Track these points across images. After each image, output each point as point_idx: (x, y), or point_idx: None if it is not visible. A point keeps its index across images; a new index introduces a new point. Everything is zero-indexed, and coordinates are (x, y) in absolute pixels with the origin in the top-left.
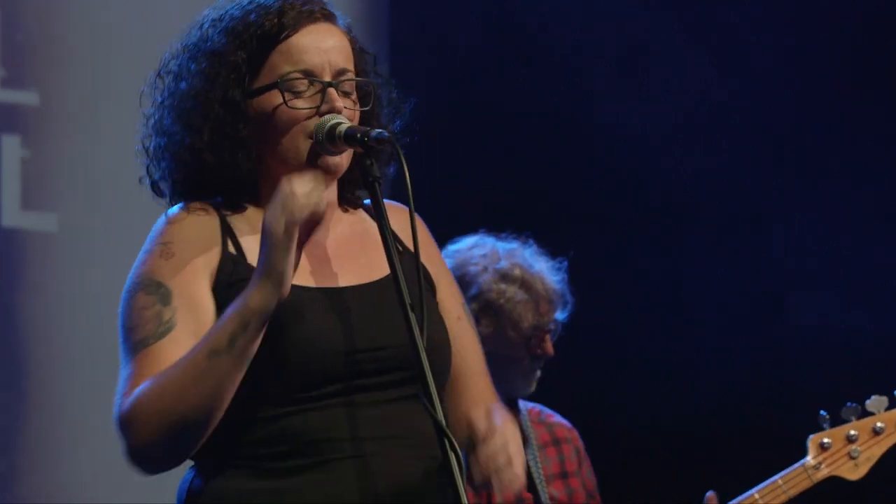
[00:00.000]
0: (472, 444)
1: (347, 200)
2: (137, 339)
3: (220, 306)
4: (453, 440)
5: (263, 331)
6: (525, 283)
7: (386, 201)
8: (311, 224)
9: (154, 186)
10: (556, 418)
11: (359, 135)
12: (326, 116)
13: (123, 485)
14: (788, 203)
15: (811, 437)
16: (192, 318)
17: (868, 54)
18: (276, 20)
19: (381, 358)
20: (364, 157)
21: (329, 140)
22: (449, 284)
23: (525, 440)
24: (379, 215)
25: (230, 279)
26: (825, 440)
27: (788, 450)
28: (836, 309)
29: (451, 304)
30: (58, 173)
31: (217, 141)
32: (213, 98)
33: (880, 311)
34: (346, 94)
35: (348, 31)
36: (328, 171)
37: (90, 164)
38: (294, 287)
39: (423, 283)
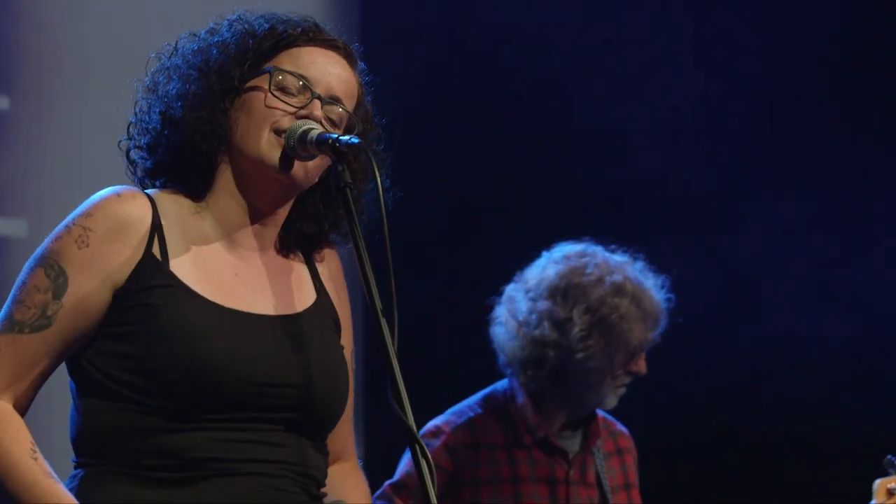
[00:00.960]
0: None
1: (295, 230)
2: (15, 318)
3: (124, 308)
4: (424, 447)
5: None
6: (636, 299)
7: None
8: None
9: (128, 154)
10: (618, 427)
11: (330, 140)
12: (300, 122)
13: None
14: (761, 205)
15: (878, 481)
16: (72, 322)
17: (845, 56)
18: (299, 31)
19: (281, 395)
20: (335, 163)
21: (300, 144)
22: (346, 329)
23: (596, 448)
24: (350, 221)
25: (143, 284)
26: (893, 485)
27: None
28: (817, 317)
29: (348, 351)
30: (28, 179)
31: (197, 102)
32: (215, 65)
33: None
34: (331, 122)
35: (362, 85)
36: (296, 182)
37: (60, 170)
38: (210, 303)
39: (329, 323)
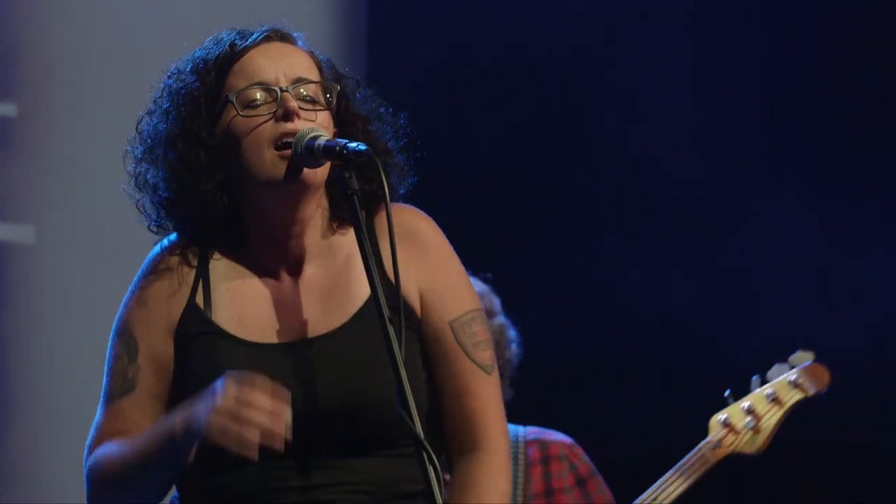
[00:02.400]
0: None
1: (339, 218)
2: (108, 388)
3: (182, 356)
4: (431, 454)
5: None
6: None
7: (395, 204)
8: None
9: (151, 228)
10: (554, 436)
11: (337, 147)
12: (304, 129)
13: None
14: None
15: (714, 416)
16: (154, 378)
17: (845, 56)
18: (229, 48)
19: (351, 422)
20: (342, 169)
21: (308, 152)
22: (441, 296)
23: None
24: (357, 230)
25: (191, 331)
26: (724, 416)
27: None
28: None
29: (431, 323)
30: (34, 185)
31: (182, 175)
32: (174, 134)
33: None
34: (307, 100)
35: (313, 54)
36: (306, 185)
37: (68, 176)
38: (258, 346)
39: (403, 307)
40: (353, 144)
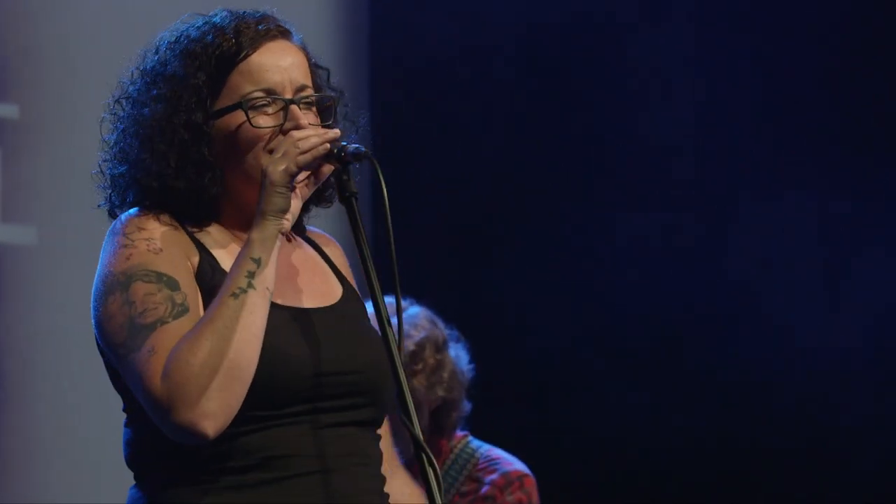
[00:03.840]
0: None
1: (295, 227)
2: (150, 321)
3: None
4: (430, 455)
5: (275, 259)
6: None
7: (316, 230)
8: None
9: (112, 213)
10: (512, 463)
11: (335, 150)
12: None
13: (97, 497)
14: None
15: None
16: (202, 308)
17: (842, 58)
18: (233, 40)
19: (346, 382)
20: (340, 172)
21: None
22: None
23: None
24: (356, 232)
25: (209, 284)
26: None
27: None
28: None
29: None
30: (37, 186)
31: (183, 165)
32: (177, 123)
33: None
34: (307, 109)
35: (303, 47)
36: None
37: (69, 178)
38: (278, 306)
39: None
40: (353, 147)
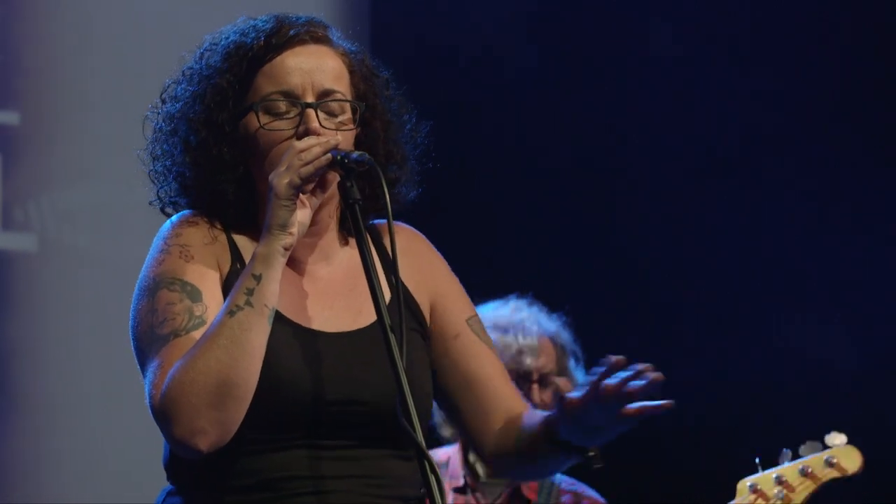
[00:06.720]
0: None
1: (347, 229)
2: (166, 332)
3: None
4: (433, 462)
5: (279, 276)
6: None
7: (401, 225)
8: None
9: (164, 210)
10: (589, 493)
11: (338, 158)
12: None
13: (100, 498)
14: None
15: (742, 480)
16: None
17: (846, 66)
18: (263, 41)
19: (348, 412)
20: (343, 179)
21: None
22: (454, 301)
23: None
24: (359, 238)
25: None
26: (753, 482)
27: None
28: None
29: (450, 322)
30: (37, 194)
31: (199, 162)
32: (199, 120)
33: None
34: (331, 115)
35: (347, 54)
36: (319, 190)
37: (69, 185)
38: (286, 321)
39: (407, 318)
40: (355, 154)
